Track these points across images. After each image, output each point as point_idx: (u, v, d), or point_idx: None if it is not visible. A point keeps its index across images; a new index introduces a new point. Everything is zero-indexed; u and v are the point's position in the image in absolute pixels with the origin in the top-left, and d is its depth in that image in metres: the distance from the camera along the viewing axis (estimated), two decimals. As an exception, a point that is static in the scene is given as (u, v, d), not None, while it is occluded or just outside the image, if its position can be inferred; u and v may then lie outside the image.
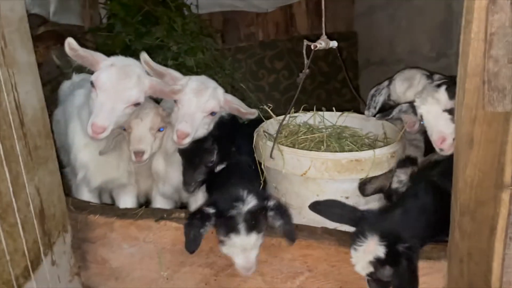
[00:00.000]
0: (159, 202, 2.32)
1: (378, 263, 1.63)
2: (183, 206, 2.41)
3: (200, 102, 1.96)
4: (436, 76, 2.19)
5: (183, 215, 1.97)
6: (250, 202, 1.77)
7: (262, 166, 2.13)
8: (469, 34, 1.32)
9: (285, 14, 4.66)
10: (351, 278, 1.84)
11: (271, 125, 2.37)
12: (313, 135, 2.34)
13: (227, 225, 1.74)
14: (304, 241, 1.85)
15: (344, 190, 2.03)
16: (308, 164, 1.95)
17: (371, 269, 1.65)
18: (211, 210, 1.77)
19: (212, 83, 2.08)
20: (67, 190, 2.15)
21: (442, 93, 1.85)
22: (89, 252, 1.98)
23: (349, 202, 2.00)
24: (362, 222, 1.73)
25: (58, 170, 1.77)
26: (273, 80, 4.67)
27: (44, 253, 1.56)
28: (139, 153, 1.96)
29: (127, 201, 2.27)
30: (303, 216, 2.02)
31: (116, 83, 1.77)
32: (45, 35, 3.48)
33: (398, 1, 3.74)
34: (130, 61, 1.91)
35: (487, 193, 1.45)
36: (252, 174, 2.14)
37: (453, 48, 2.90)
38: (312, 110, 2.56)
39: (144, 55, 1.92)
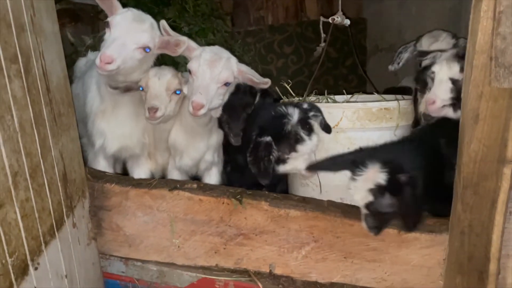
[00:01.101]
0: (175, 176, 2.38)
1: (378, 190, 1.56)
2: (195, 178, 2.49)
3: (214, 73, 1.96)
4: (461, 40, 2.35)
5: (195, 185, 2.04)
6: (294, 112, 1.80)
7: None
8: (478, 13, 1.37)
9: (295, -2, 4.69)
10: (355, 249, 1.92)
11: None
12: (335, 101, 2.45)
13: (290, 141, 1.76)
14: (311, 212, 1.92)
15: (373, 142, 2.07)
16: (340, 115, 2.02)
17: (370, 198, 1.58)
18: (267, 138, 1.76)
19: (225, 53, 2.07)
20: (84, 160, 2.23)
21: (457, 64, 1.92)
22: (105, 219, 2.06)
23: None
24: (362, 154, 1.68)
25: (78, 138, 1.85)
26: (282, 65, 4.71)
27: (66, 214, 1.63)
28: (153, 109, 1.98)
29: (140, 173, 2.36)
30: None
31: (130, 23, 1.86)
32: (60, 12, 3.51)
33: (408, -13, 3.77)
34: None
35: (490, 168, 1.52)
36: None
37: (462, 35, 2.94)
38: (320, 95, 2.60)
39: (163, 22, 1.98)
